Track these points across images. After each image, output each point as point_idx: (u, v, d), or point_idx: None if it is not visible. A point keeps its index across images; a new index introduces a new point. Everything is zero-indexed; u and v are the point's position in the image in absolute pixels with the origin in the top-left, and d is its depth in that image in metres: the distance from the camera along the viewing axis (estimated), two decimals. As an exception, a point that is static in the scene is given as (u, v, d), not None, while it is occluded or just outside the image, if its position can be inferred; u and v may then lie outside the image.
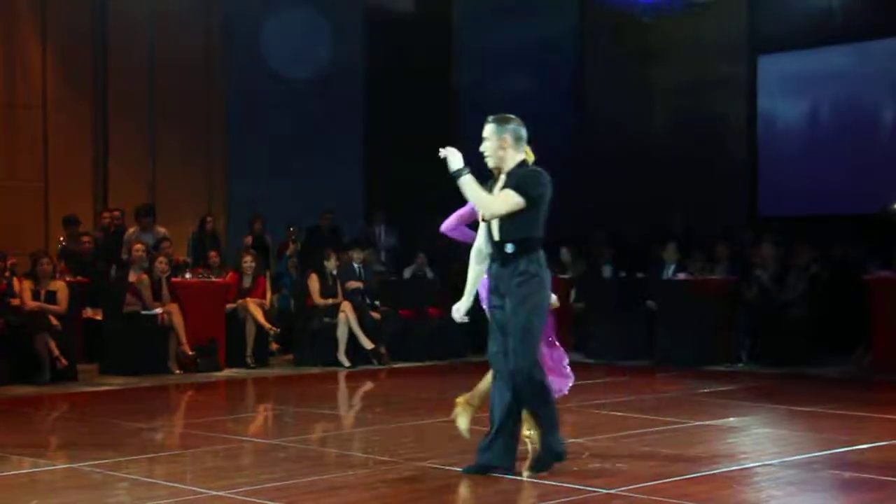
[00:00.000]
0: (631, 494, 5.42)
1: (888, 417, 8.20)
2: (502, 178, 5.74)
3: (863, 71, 15.20)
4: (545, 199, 5.71)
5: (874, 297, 11.24)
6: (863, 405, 8.74)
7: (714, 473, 5.97)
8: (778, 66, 16.14)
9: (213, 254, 12.54)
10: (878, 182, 14.59)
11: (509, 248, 5.61)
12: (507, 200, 5.60)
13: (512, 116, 5.84)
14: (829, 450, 6.68)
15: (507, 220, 5.63)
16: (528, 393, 5.68)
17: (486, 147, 5.76)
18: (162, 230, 12.65)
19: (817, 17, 15.15)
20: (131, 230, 12.63)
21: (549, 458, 5.78)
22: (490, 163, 5.77)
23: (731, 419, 7.92)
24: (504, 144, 5.72)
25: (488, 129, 5.80)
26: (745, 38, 16.21)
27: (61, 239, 12.71)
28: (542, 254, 5.73)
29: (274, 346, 12.30)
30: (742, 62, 16.25)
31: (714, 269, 12.56)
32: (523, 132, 5.79)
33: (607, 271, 13.40)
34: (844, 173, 15.08)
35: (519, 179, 5.66)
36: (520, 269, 5.61)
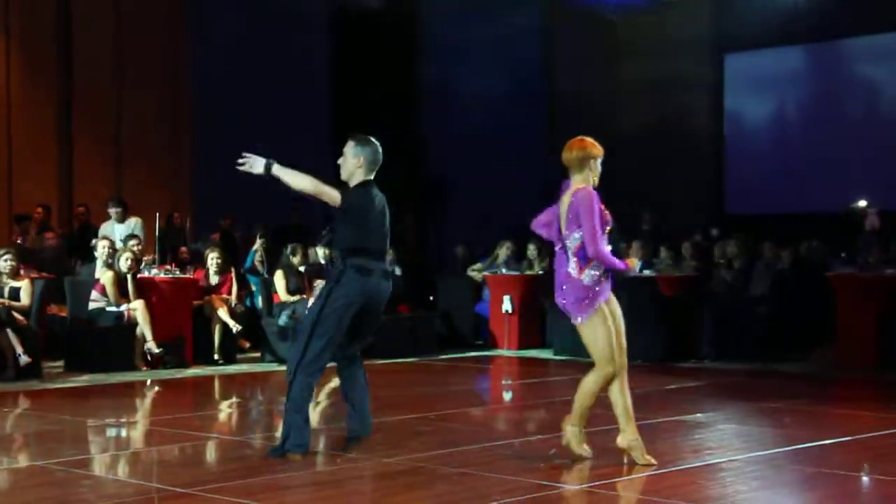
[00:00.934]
0: (597, 490, 5.44)
1: (851, 413, 8.28)
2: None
3: (827, 70, 15.36)
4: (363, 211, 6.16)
5: (837, 295, 11.36)
6: (827, 401, 8.82)
7: (680, 469, 6.00)
8: (744, 64, 16.28)
9: (182, 249, 12.47)
10: (842, 180, 14.75)
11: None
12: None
13: (373, 140, 6.31)
14: (794, 445, 6.73)
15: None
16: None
17: (343, 161, 6.37)
18: (134, 219, 12.47)
19: (783, 17, 15.29)
20: (106, 223, 12.44)
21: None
22: (343, 175, 6.37)
23: (698, 415, 7.96)
24: (359, 163, 6.27)
25: (348, 146, 6.37)
26: (712, 37, 16.33)
27: (16, 237, 12.56)
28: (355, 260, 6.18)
29: (244, 344, 12.23)
30: (708, 61, 16.37)
31: (680, 265, 12.63)
32: (380, 158, 6.31)
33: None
34: (809, 172, 15.24)
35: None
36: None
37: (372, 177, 6.30)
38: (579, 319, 5.93)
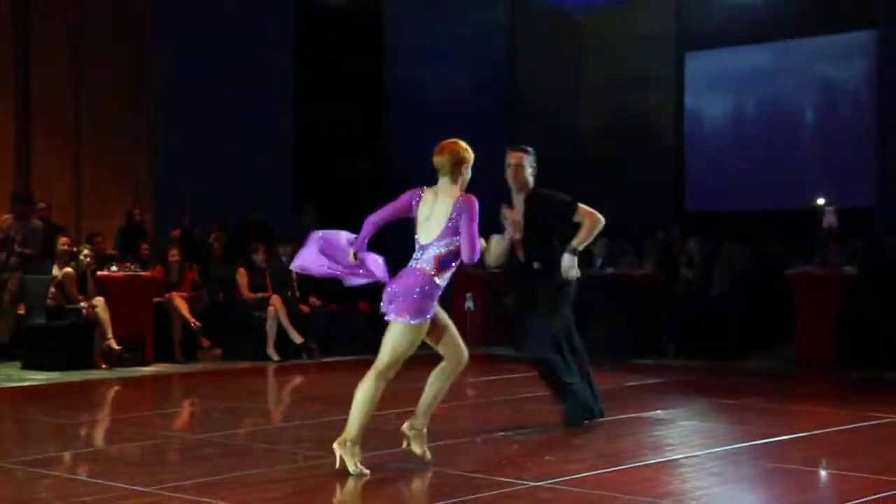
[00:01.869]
0: (558, 487, 5.46)
1: (810, 409, 8.36)
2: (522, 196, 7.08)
3: (787, 69, 15.49)
4: None
5: (797, 293, 11.44)
6: (786, 398, 8.91)
7: (640, 465, 6.03)
8: (704, 63, 16.38)
9: (144, 246, 12.38)
10: (802, 178, 14.89)
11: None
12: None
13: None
14: (754, 441, 6.79)
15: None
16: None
17: (522, 171, 7.15)
18: (37, 222, 12.25)
19: (743, 15, 15.41)
20: (5, 217, 12.23)
21: None
22: (529, 182, 7.08)
23: (658, 412, 8.01)
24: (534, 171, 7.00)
25: (526, 157, 7.20)
26: (673, 35, 16.42)
27: None
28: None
29: (205, 343, 12.16)
30: (670, 59, 16.45)
31: (641, 263, 12.69)
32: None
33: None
34: (769, 169, 15.36)
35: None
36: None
37: None
38: (409, 319, 5.67)
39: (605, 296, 12.10)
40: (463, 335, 14.24)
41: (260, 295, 11.88)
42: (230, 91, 14.80)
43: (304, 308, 12.09)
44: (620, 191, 15.51)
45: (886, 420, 7.69)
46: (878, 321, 10.87)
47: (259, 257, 12.04)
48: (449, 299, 13.41)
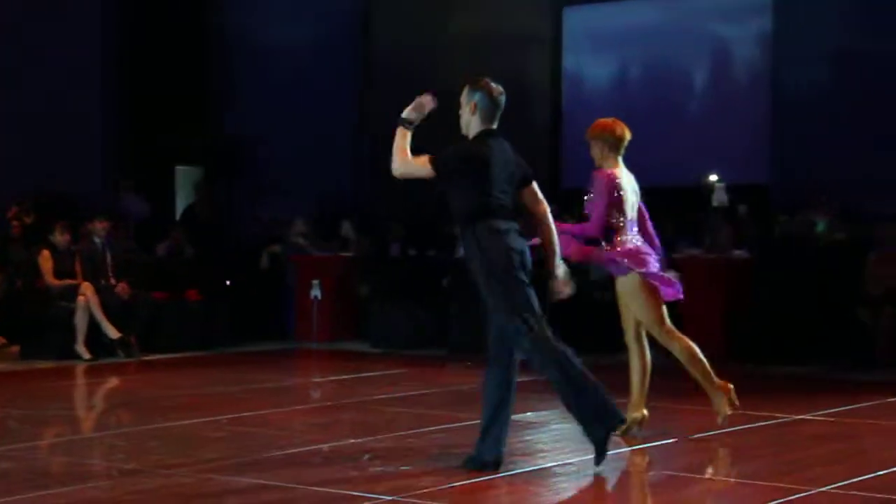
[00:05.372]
0: (416, 501, 5.48)
1: (696, 409, 8.57)
2: None
3: (675, 28, 15.79)
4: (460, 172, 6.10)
5: (684, 279, 11.66)
6: (670, 396, 9.11)
7: (510, 475, 6.10)
8: (585, 20, 16.59)
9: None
10: (691, 152, 15.21)
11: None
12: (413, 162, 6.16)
13: (489, 82, 6.27)
14: (635, 445, 6.93)
15: None
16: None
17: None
18: None
19: (627, -32, 15.66)
20: None
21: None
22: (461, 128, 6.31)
23: (528, 414, 8.10)
24: (471, 110, 6.19)
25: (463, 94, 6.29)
26: (549, -12, 16.58)
27: None
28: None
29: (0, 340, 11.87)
30: (546, 15, 16.61)
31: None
32: (500, 102, 6.25)
33: (395, 249, 13.50)
34: (655, 142, 15.64)
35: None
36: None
37: (494, 125, 6.24)
38: None
39: (469, 286, 12.18)
40: (308, 328, 14.23)
41: (68, 282, 11.60)
42: (34, 50, 14.41)
43: (121, 296, 11.82)
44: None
45: (779, 420, 7.95)
46: (769, 310, 11.23)
47: (60, 238, 11.72)
48: (293, 287, 13.36)
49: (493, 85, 6.24)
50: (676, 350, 7.20)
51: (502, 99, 6.24)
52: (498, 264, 6.00)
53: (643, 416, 7.23)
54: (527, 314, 5.99)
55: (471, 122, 6.23)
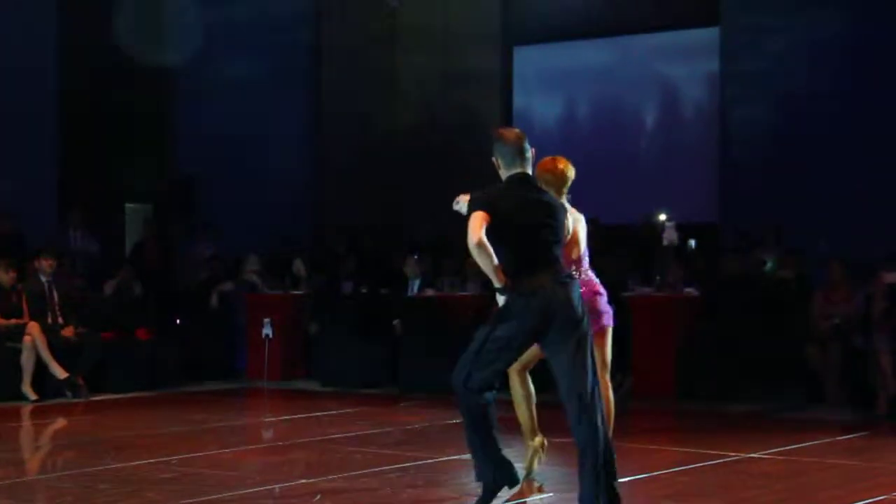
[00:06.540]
0: (369, 542, 5.44)
1: (648, 448, 8.60)
2: None
3: (624, 67, 15.94)
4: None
5: (634, 317, 11.68)
6: (623, 435, 9.10)
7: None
8: (535, 59, 16.71)
9: None
10: (641, 190, 15.31)
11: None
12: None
13: (510, 130, 6.20)
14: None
15: None
16: None
17: None
18: None
19: (577, 8, 15.78)
20: None
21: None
22: None
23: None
24: (497, 164, 6.11)
25: None
26: (500, 28, 16.70)
27: None
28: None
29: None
30: (496, 53, 16.72)
31: (465, 284, 12.81)
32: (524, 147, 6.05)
33: (347, 287, 13.46)
34: (605, 180, 15.75)
35: None
36: None
37: (521, 170, 6.01)
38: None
39: (424, 321, 12.18)
40: (260, 367, 14.13)
41: (13, 322, 11.46)
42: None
43: (69, 336, 11.69)
44: (443, 200, 15.61)
45: (729, 458, 7.99)
46: (719, 347, 11.30)
47: (5, 276, 11.59)
48: (244, 325, 13.28)
49: (503, 130, 6.21)
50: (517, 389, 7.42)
51: (517, 139, 6.05)
52: None
53: (542, 441, 7.30)
54: None
55: (502, 176, 6.11)
